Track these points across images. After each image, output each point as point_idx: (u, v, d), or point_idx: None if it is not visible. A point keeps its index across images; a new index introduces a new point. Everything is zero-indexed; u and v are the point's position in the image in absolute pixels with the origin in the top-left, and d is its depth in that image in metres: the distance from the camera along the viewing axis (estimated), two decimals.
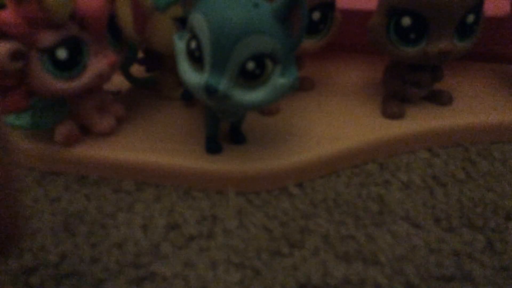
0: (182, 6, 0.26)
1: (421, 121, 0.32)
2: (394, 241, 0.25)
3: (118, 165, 0.29)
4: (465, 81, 0.37)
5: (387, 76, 0.34)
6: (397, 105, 0.33)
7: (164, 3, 0.28)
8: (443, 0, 0.28)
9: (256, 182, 0.28)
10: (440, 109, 0.33)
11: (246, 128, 0.31)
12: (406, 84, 0.33)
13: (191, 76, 0.25)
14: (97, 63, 0.28)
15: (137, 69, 0.37)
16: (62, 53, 0.26)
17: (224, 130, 0.30)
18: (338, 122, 0.32)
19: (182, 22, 0.27)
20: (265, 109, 0.33)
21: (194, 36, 0.25)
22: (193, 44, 0.25)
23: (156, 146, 0.30)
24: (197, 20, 0.24)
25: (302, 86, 0.36)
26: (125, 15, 0.29)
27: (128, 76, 0.37)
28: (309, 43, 0.33)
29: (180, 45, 0.26)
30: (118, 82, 0.36)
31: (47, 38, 0.26)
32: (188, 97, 0.34)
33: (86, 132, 0.31)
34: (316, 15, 0.32)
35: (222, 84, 0.24)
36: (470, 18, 0.29)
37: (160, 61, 0.35)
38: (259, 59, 0.24)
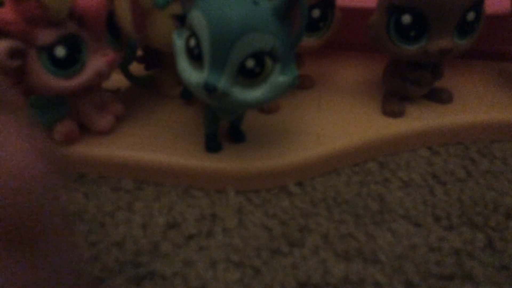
0: (181, 4, 0.26)
1: (421, 119, 0.32)
2: (394, 239, 0.25)
3: (117, 163, 0.29)
4: (465, 79, 0.37)
5: (387, 74, 0.34)
6: (397, 103, 0.33)
7: (163, 0, 0.28)
8: None
9: (256, 180, 0.28)
10: (440, 107, 0.33)
11: (246, 126, 0.31)
12: (406, 82, 0.33)
13: (190, 74, 0.25)
14: (96, 61, 0.28)
15: (136, 68, 0.37)
16: (60, 51, 0.26)
17: (223, 128, 0.30)
18: (338, 121, 0.32)
19: (181, 20, 0.26)
20: (265, 107, 0.33)
21: (193, 34, 0.24)
22: (192, 42, 0.24)
23: (156, 144, 0.30)
24: (197, 17, 0.24)
25: (302, 84, 0.36)
26: (124, 12, 0.29)
27: (127, 74, 0.36)
28: (309, 41, 0.33)
29: (179, 43, 0.26)
30: (117, 80, 0.36)
31: (45, 36, 0.25)
32: (187, 95, 0.34)
33: (85, 130, 0.30)
34: (316, 13, 0.32)
35: (222, 82, 0.24)
36: (471, 15, 0.29)
37: (160, 59, 0.35)
38: (258, 57, 0.24)
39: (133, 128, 0.32)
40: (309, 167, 0.29)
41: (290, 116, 0.33)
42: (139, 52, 0.36)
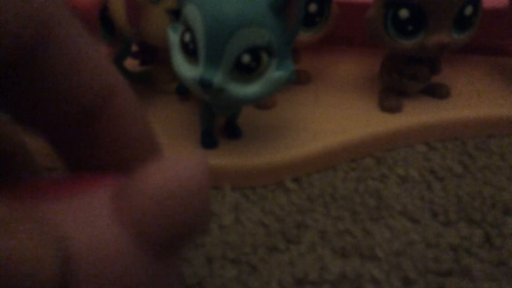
0: None
1: (418, 114, 0.32)
2: (391, 236, 0.25)
3: None
4: (463, 74, 0.37)
5: (384, 69, 0.33)
6: (394, 98, 0.32)
7: None
8: None
9: (252, 177, 0.28)
10: (437, 103, 0.33)
11: (242, 122, 0.30)
12: (403, 78, 0.32)
13: (185, 69, 0.25)
14: None
15: (131, 63, 0.37)
16: None
17: (219, 124, 0.30)
18: (335, 116, 0.32)
19: (176, 14, 0.26)
20: (261, 103, 0.32)
21: (188, 29, 0.24)
22: (187, 37, 0.24)
23: None
24: (191, 12, 0.23)
25: (299, 79, 0.35)
26: (118, 7, 0.29)
27: (121, 70, 0.36)
28: (305, 36, 0.32)
29: (174, 37, 0.25)
30: None
31: None
32: (183, 91, 0.33)
33: None
34: (312, 7, 0.31)
35: (217, 78, 0.23)
36: (469, 9, 0.29)
37: (155, 55, 0.35)
38: (254, 52, 0.23)
39: None
40: (306, 163, 0.29)
41: (287, 112, 0.32)
42: (134, 47, 0.36)
